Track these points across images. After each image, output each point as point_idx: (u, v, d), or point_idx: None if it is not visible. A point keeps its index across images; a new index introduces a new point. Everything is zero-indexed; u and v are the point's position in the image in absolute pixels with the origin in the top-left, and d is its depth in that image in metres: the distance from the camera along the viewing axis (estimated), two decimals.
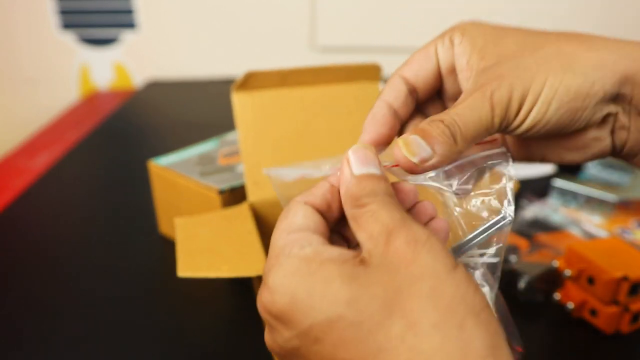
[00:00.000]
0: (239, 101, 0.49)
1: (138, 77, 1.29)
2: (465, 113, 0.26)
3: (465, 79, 0.29)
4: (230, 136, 0.66)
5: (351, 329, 0.21)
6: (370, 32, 1.27)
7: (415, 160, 0.26)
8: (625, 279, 0.42)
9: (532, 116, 0.27)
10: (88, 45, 1.26)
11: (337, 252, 0.23)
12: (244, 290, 0.52)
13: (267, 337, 0.24)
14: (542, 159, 0.31)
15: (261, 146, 0.49)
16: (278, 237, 0.25)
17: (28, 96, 1.27)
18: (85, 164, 0.85)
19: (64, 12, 1.22)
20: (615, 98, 0.27)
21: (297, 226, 0.25)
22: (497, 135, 0.31)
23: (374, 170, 0.25)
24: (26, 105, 1.28)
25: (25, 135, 0.98)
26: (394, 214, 0.23)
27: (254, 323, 0.46)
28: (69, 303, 0.50)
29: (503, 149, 0.30)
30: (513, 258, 0.51)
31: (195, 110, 1.11)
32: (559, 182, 0.63)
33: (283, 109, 0.50)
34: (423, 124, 0.27)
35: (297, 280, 0.22)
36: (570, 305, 0.45)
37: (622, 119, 0.28)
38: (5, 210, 0.68)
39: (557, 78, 0.26)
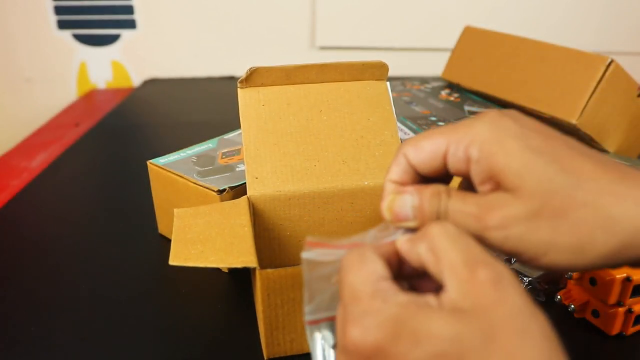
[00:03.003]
0: (244, 96, 0.50)
1: (136, 76, 1.29)
2: (458, 219, 0.27)
3: (476, 175, 0.28)
4: (229, 136, 0.65)
5: None
6: (370, 32, 1.27)
7: (389, 217, 0.29)
8: (628, 279, 0.42)
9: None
10: (86, 44, 1.26)
11: (427, 298, 0.24)
12: (244, 290, 0.51)
13: None
14: None
15: (264, 141, 0.49)
16: (365, 281, 0.25)
17: (27, 95, 1.27)
18: (83, 163, 0.85)
19: (62, 11, 1.22)
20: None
21: (381, 275, 0.26)
22: None
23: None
24: (25, 105, 1.27)
25: (24, 134, 0.98)
26: (470, 247, 0.25)
27: (254, 323, 0.46)
28: (67, 303, 0.50)
29: None
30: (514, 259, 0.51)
31: (194, 108, 1.11)
32: None
33: (287, 106, 0.50)
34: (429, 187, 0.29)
35: (400, 325, 0.23)
36: (573, 306, 0.45)
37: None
38: (2, 209, 0.68)
39: (560, 257, 0.26)
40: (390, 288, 0.25)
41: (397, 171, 0.30)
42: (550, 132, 0.27)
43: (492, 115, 0.28)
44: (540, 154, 0.26)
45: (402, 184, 0.30)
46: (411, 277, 0.29)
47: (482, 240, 0.26)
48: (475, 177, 0.27)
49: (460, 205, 0.27)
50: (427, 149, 0.29)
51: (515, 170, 0.26)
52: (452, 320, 0.23)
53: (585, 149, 0.27)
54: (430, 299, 0.24)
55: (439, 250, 0.25)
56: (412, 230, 0.29)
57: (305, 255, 0.29)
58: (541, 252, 0.26)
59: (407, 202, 0.29)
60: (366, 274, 0.26)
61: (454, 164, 0.28)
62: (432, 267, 0.26)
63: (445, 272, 0.25)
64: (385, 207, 0.30)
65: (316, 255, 0.29)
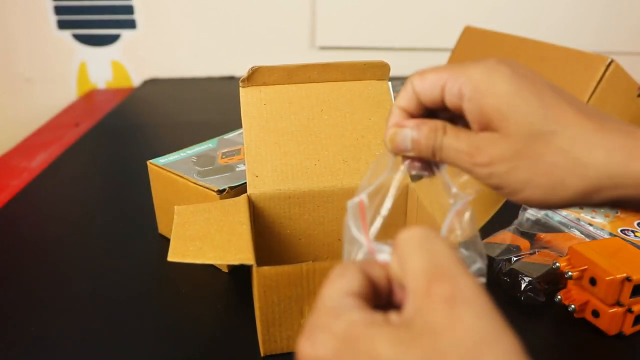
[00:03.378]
0: (245, 95, 0.50)
1: (136, 76, 1.29)
2: (452, 152, 0.30)
3: (469, 113, 0.30)
4: (229, 136, 0.65)
5: None
6: (370, 32, 1.27)
7: (390, 147, 0.32)
8: (627, 279, 0.42)
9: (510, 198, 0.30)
10: (86, 44, 1.26)
11: (382, 315, 0.24)
12: (244, 290, 0.51)
13: None
14: None
15: (264, 140, 0.49)
16: (332, 295, 0.25)
17: (27, 95, 1.27)
18: (83, 163, 0.85)
19: (62, 11, 1.21)
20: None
21: (351, 292, 0.25)
22: None
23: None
24: (25, 105, 1.27)
25: (24, 134, 0.98)
26: (435, 258, 0.23)
27: (253, 323, 0.46)
28: (67, 303, 0.50)
29: None
30: (515, 259, 0.51)
31: (194, 108, 1.11)
32: None
33: (288, 105, 0.50)
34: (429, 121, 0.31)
35: (344, 344, 0.23)
36: (573, 306, 0.45)
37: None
38: (2, 209, 0.67)
39: (535, 193, 0.28)
40: (350, 305, 0.24)
41: (404, 97, 0.32)
42: (541, 80, 0.30)
43: (490, 60, 0.30)
44: (527, 99, 0.28)
45: (408, 110, 0.33)
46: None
47: (470, 174, 0.30)
48: (468, 115, 0.30)
49: (453, 142, 0.30)
50: (429, 80, 0.31)
51: (503, 112, 0.28)
52: (395, 341, 0.22)
53: (572, 97, 0.29)
54: (392, 315, 0.23)
55: (404, 257, 0.24)
56: None
57: (350, 203, 0.31)
58: (519, 188, 0.28)
59: (407, 135, 0.32)
60: (336, 289, 0.25)
61: (450, 99, 0.30)
62: (399, 276, 0.25)
63: (406, 282, 0.24)
64: (387, 138, 0.33)
65: (351, 218, 0.30)
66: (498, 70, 0.29)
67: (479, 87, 0.29)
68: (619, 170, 0.27)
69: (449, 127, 0.31)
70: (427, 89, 0.31)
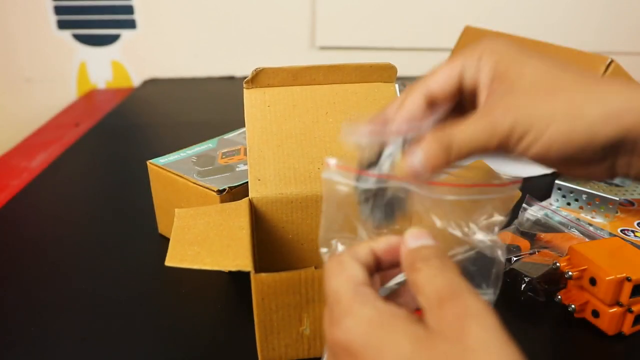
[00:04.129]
0: (249, 97, 0.49)
1: (136, 76, 1.29)
2: (468, 131, 0.30)
3: (482, 97, 0.31)
4: (229, 136, 0.65)
5: None
6: (370, 32, 1.27)
7: (407, 169, 0.31)
8: (627, 279, 0.42)
9: (531, 153, 0.29)
10: (86, 44, 1.26)
11: (405, 312, 0.26)
12: (245, 291, 0.51)
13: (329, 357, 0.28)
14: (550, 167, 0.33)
15: (268, 143, 0.49)
16: (344, 284, 0.28)
17: (27, 95, 1.27)
18: (83, 163, 0.85)
19: (62, 11, 1.21)
20: (618, 145, 0.29)
21: (361, 281, 0.28)
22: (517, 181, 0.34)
23: (426, 241, 0.29)
24: (25, 105, 1.27)
25: (24, 134, 0.98)
26: (447, 281, 0.26)
27: (253, 325, 0.46)
28: (66, 303, 0.50)
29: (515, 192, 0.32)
30: (515, 259, 0.51)
31: (194, 108, 1.11)
32: (561, 182, 0.63)
33: (292, 107, 0.50)
34: (428, 133, 0.31)
35: (371, 329, 0.25)
36: (573, 306, 0.45)
37: (625, 157, 0.29)
38: (2, 209, 0.67)
39: (560, 129, 0.28)
40: (371, 294, 0.27)
41: (410, 104, 0.32)
42: (541, 53, 0.32)
43: (493, 40, 0.32)
44: (534, 57, 0.30)
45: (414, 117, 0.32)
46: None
47: (491, 140, 0.29)
48: (484, 79, 0.31)
49: (464, 126, 0.30)
50: (443, 70, 0.32)
51: (517, 68, 0.30)
52: (415, 338, 0.24)
53: (572, 66, 0.31)
54: (410, 315, 0.26)
55: (416, 277, 0.27)
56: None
57: (325, 175, 0.31)
58: (544, 125, 0.28)
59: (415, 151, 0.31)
60: (346, 278, 0.28)
61: (468, 75, 0.31)
62: (411, 286, 0.28)
63: (420, 300, 0.26)
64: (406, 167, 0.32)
65: (336, 176, 0.31)
66: (504, 41, 0.31)
67: (495, 51, 0.31)
68: (634, 96, 0.28)
69: (455, 127, 0.31)
70: (442, 82, 0.32)
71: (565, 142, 0.28)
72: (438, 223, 0.31)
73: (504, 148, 0.29)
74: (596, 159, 0.29)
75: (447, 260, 0.28)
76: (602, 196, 0.60)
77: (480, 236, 0.31)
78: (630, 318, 0.44)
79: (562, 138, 0.28)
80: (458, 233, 0.31)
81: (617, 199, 0.60)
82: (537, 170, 0.73)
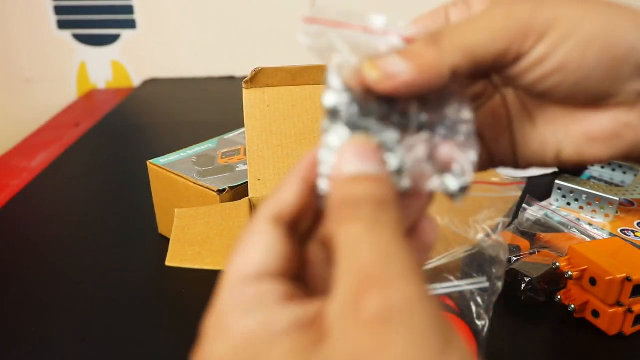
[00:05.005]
0: (248, 97, 0.49)
1: (136, 76, 1.29)
2: (469, 23, 0.22)
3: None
4: (229, 136, 0.65)
5: None
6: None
7: (374, 75, 0.21)
8: (627, 279, 0.42)
9: (552, 60, 0.22)
10: (86, 44, 1.26)
11: (293, 317, 0.18)
12: None
13: None
14: (558, 152, 0.25)
15: (267, 143, 0.49)
16: (227, 284, 0.20)
17: (27, 95, 1.27)
18: (83, 163, 0.85)
19: (62, 11, 1.21)
20: None
21: (254, 270, 0.19)
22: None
23: (371, 169, 0.19)
24: (25, 105, 1.27)
25: (24, 134, 0.98)
26: (378, 249, 0.17)
27: None
28: (66, 303, 0.50)
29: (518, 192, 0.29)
30: (514, 259, 0.51)
31: (194, 108, 1.10)
32: (561, 182, 0.63)
33: (292, 107, 0.50)
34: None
35: (237, 353, 0.18)
36: (573, 306, 0.45)
37: None
38: (2, 209, 0.67)
39: (594, 24, 0.21)
40: (252, 297, 0.19)
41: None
42: None
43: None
44: None
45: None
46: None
47: (506, 25, 0.21)
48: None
49: (468, 19, 0.23)
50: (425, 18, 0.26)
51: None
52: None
53: None
54: (300, 319, 0.18)
55: (339, 249, 0.18)
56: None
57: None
58: (577, 17, 0.21)
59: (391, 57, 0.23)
60: (237, 265, 0.20)
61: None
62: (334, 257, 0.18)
63: (335, 277, 0.17)
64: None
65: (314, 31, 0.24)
66: None
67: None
68: None
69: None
70: (486, 40, 0.22)
71: (596, 47, 0.21)
72: (439, 221, 0.30)
73: (517, 51, 0.22)
74: (625, 101, 0.22)
75: (389, 208, 0.18)
76: (602, 196, 0.60)
77: (481, 235, 0.30)
78: (630, 318, 0.44)
79: (593, 40, 0.21)
80: (460, 231, 0.30)
81: (617, 199, 0.60)
82: (537, 170, 0.73)
